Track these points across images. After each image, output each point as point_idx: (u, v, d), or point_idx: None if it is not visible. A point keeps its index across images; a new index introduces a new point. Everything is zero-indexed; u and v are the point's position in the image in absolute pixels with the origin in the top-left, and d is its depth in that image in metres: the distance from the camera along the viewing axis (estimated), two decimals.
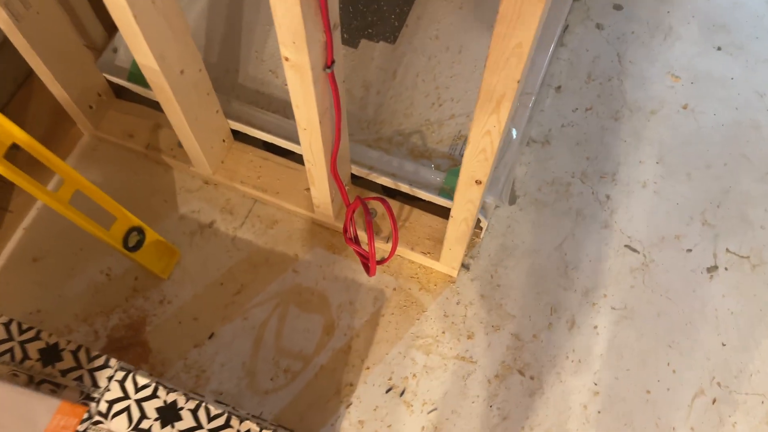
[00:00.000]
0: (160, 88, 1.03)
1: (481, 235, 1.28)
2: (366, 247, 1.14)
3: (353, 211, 1.15)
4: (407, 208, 1.27)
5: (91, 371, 0.97)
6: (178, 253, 1.27)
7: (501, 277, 1.25)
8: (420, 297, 1.24)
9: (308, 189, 1.24)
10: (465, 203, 0.95)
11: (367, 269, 1.16)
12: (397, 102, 1.35)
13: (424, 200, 1.23)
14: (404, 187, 1.21)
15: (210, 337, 1.20)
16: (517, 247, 1.28)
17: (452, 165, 1.30)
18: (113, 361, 0.97)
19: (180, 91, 1.05)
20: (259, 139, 1.30)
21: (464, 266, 1.26)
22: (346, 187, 1.23)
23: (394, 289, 1.24)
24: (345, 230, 1.17)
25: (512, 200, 1.33)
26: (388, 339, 1.20)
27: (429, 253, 1.22)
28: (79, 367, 0.97)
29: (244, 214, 1.31)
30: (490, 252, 1.28)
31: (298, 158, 1.29)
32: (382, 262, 1.17)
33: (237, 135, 1.32)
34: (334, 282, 1.25)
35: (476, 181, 0.89)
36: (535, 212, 1.31)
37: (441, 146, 1.31)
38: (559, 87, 1.44)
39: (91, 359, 0.98)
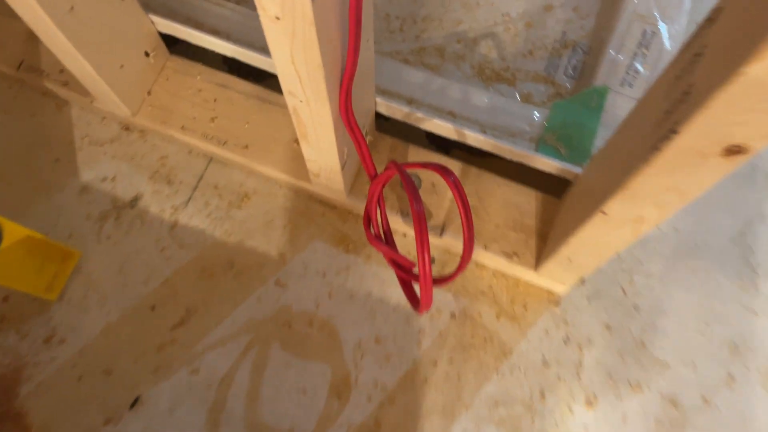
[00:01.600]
0: None
1: None
2: (411, 254, 0.60)
3: (382, 187, 0.61)
4: (473, 171, 0.72)
5: None
6: (76, 256, 0.73)
7: (641, 293, 0.72)
8: (499, 330, 0.71)
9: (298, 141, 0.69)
10: (662, 192, 0.40)
11: (415, 301, 0.62)
12: None
13: (498, 155, 0.68)
14: (476, 139, 0.66)
15: (133, 405, 0.69)
16: (665, 239, 0.74)
17: (555, 94, 0.74)
18: None
19: None
20: (214, 52, 0.74)
21: None
22: (368, 138, 0.68)
23: (453, 315, 0.71)
24: (367, 220, 0.63)
25: None
26: (446, 407, 0.68)
27: (515, 254, 0.69)
28: None
29: (191, 182, 0.77)
30: None
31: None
32: (442, 281, 0.63)
33: (173, 44, 0.76)
34: (348, 303, 0.72)
35: (728, 150, 0.34)
36: None
37: (531, 61, 0.75)
38: None
39: None
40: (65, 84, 0.75)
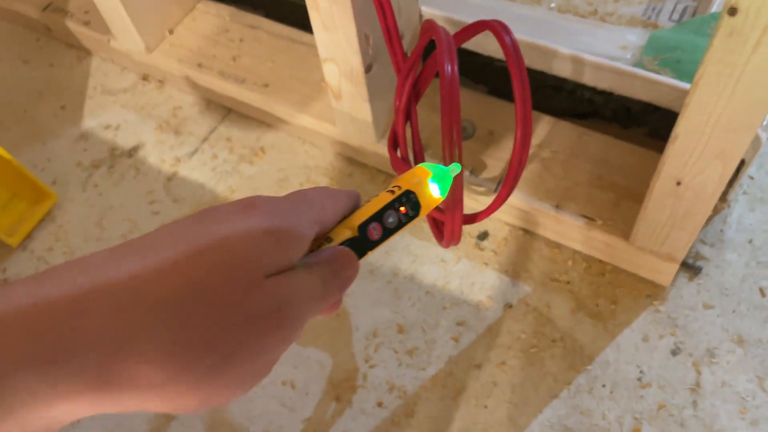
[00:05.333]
0: None
1: (731, 196, 0.53)
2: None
3: (413, 83, 0.45)
4: (545, 119, 0.55)
5: None
6: (51, 198, 0.61)
7: None
8: (575, 329, 0.50)
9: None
10: None
11: (439, 234, 0.44)
12: None
13: (580, 83, 0.51)
14: (555, 56, 0.50)
15: None
16: None
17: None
18: None
19: None
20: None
21: (687, 264, 0.51)
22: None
23: (509, 305, 0.51)
24: (393, 138, 0.47)
25: None
26: (489, 431, 0.46)
27: (598, 218, 0.49)
28: None
29: (201, 134, 0.64)
30: (750, 232, 0.52)
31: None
32: (472, 218, 0.44)
33: None
34: (367, 280, 0.54)
35: None
36: None
37: (625, 5, 0.60)
38: None
39: None
40: (87, 23, 0.68)
